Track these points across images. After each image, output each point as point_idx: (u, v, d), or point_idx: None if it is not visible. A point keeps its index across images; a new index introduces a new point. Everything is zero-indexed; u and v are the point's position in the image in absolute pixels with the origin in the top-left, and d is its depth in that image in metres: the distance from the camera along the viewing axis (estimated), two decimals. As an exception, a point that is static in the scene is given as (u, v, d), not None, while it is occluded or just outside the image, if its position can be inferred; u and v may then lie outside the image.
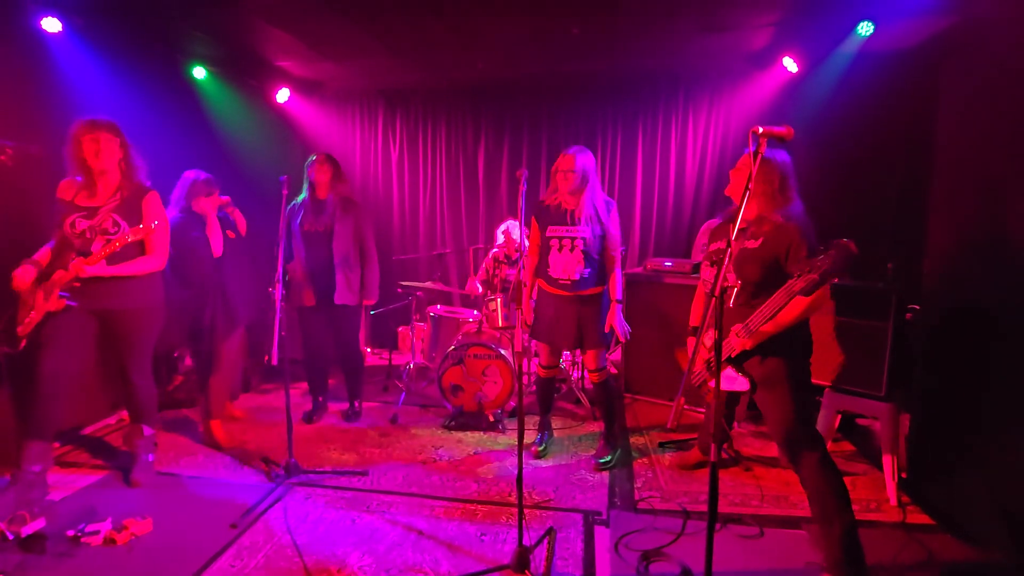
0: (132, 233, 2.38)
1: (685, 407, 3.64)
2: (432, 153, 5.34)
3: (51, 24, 3.12)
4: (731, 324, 2.04)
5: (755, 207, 2.04)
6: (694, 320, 2.46)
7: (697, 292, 2.50)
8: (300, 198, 3.34)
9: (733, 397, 2.68)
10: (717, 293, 1.35)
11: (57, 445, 2.98)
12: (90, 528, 2.22)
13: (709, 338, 2.09)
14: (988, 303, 2.37)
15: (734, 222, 1.45)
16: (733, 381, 2.06)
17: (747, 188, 1.41)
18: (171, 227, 2.93)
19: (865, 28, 3.43)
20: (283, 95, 4.82)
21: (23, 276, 2.41)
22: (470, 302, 4.51)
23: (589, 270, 2.80)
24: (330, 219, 3.28)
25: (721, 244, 2.16)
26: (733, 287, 1.95)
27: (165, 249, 2.60)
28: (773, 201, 2.00)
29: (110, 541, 2.18)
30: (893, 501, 2.53)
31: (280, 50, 4.15)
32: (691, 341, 2.38)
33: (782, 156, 2.03)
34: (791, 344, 2.00)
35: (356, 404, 3.60)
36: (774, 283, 1.95)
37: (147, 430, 2.72)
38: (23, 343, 2.42)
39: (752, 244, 2.03)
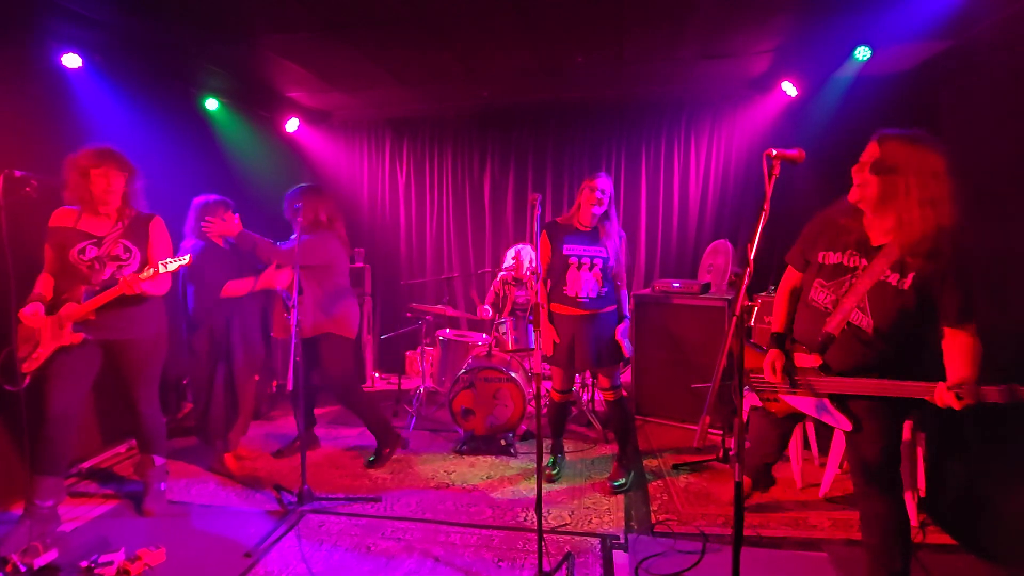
0: (152, 266, 2.38)
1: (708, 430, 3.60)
2: (439, 180, 5.42)
3: (71, 60, 3.21)
4: (835, 362, 1.74)
5: (916, 223, 1.55)
6: (776, 323, 2.02)
7: (779, 291, 2.05)
8: None
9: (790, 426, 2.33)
10: (738, 312, 1.37)
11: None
12: (103, 559, 2.19)
13: (806, 360, 1.80)
14: (999, 320, 2.38)
15: (751, 244, 1.45)
16: (829, 415, 1.80)
17: (763, 208, 1.43)
18: (195, 255, 2.96)
19: (862, 53, 3.52)
20: (292, 125, 4.91)
21: (33, 315, 2.36)
22: (479, 326, 4.52)
23: (606, 288, 2.85)
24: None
25: (838, 257, 1.75)
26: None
27: (166, 279, 2.55)
28: (934, 215, 1.53)
29: (124, 572, 2.16)
30: (914, 522, 2.49)
31: (291, 82, 4.26)
32: (773, 352, 1.92)
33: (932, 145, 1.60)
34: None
35: (385, 452, 3.25)
36: (905, 333, 1.64)
37: (158, 459, 2.70)
38: (27, 380, 2.36)
39: (895, 280, 1.62)
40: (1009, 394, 1.46)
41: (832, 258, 1.77)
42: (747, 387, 2.09)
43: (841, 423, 1.77)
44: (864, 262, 1.70)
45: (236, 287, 3.00)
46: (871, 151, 1.66)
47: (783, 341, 1.93)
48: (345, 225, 3.30)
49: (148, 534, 2.46)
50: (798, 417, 2.10)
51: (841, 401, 1.77)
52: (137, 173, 2.57)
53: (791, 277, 2.01)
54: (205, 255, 2.97)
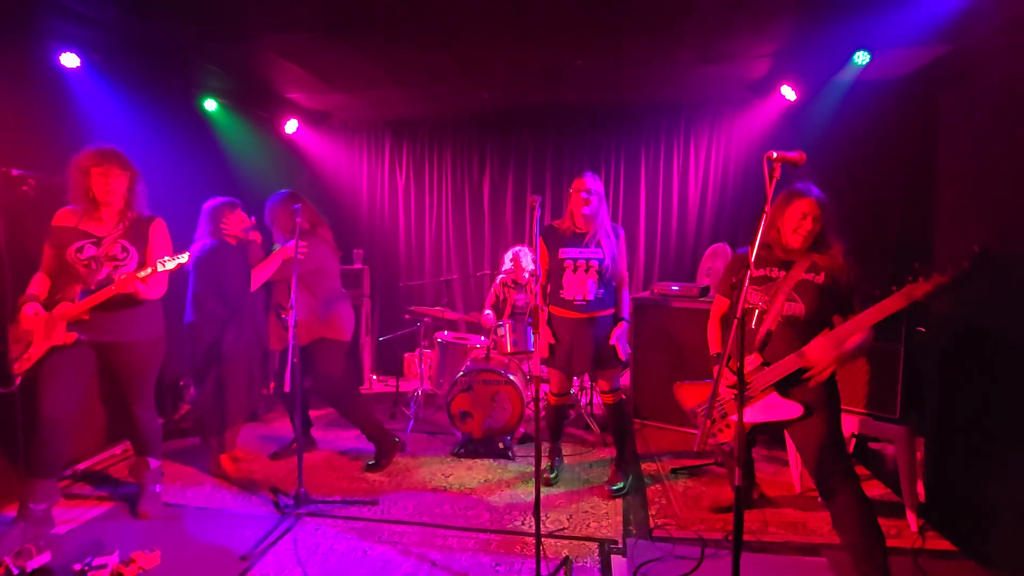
0: (150, 265, 2.35)
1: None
2: (438, 181, 5.41)
3: (70, 60, 3.20)
4: (774, 357, 1.97)
5: (832, 246, 2.00)
6: (715, 346, 2.32)
7: (712, 317, 2.36)
8: None
9: (752, 438, 2.41)
10: (739, 315, 1.36)
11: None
12: (97, 561, 2.17)
13: (746, 363, 1.98)
14: (999, 322, 2.38)
15: (751, 248, 1.45)
16: (778, 408, 1.93)
17: (763, 212, 1.43)
18: (207, 253, 2.97)
19: (861, 57, 3.52)
20: (292, 126, 4.90)
21: (35, 316, 2.34)
22: (478, 328, 4.50)
23: (603, 291, 2.83)
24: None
25: (764, 271, 2.10)
26: (755, 309, 1.93)
27: (163, 281, 2.52)
28: (829, 236, 2.00)
29: (118, 575, 2.14)
30: (914, 527, 2.49)
31: (290, 83, 4.25)
32: (716, 370, 2.11)
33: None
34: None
35: (383, 461, 3.20)
36: (825, 319, 1.96)
37: (153, 462, 2.68)
38: (18, 380, 2.33)
39: (812, 277, 1.99)
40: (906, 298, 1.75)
41: (758, 272, 2.10)
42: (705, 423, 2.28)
43: (792, 411, 1.94)
44: (783, 273, 2.06)
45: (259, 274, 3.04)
46: (809, 207, 1.99)
47: (723, 359, 2.14)
48: (330, 228, 3.29)
49: (143, 537, 2.44)
50: (753, 436, 2.26)
51: (785, 389, 1.96)
52: (140, 175, 2.55)
53: (720, 305, 2.34)
54: (217, 252, 2.98)
